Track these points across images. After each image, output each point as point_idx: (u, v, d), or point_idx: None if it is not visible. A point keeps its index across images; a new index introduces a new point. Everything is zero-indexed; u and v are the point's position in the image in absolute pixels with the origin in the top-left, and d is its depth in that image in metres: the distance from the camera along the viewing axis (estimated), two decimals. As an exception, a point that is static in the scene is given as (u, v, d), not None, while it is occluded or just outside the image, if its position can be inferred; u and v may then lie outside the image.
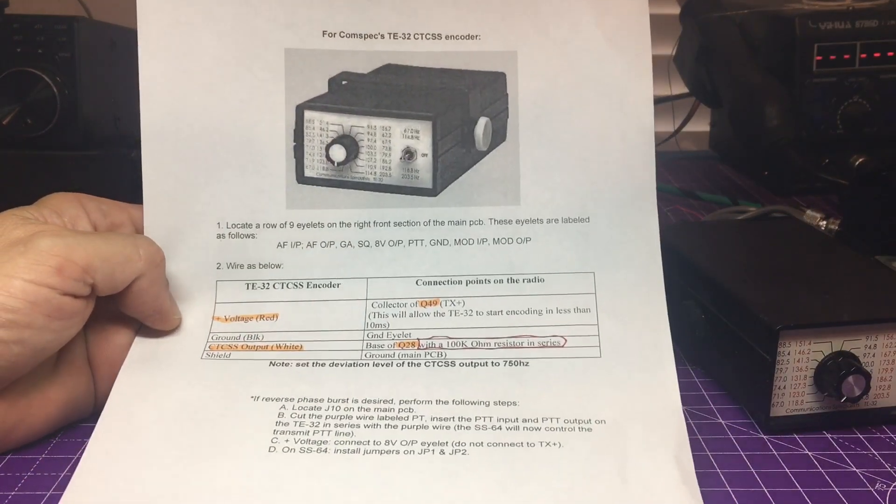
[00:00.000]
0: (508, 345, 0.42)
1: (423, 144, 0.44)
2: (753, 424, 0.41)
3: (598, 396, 0.39)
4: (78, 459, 0.37)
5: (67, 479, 0.36)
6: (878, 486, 0.36)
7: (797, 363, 0.39)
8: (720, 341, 0.43)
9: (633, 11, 0.45)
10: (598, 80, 0.45)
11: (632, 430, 0.37)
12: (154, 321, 0.41)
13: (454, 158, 0.45)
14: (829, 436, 0.40)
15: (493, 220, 0.44)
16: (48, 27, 0.65)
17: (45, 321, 0.35)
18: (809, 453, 0.38)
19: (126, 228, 0.43)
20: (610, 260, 0.44)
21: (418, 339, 0.42)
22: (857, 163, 0.65)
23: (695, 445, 0.37)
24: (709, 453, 0.38)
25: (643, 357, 0.41)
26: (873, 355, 0.39)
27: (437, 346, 0.42)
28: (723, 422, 0.41)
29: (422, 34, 0.45)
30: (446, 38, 0.45)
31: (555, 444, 0.36)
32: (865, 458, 0.38)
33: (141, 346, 0.41)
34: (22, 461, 0.37)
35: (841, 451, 0.38)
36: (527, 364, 0.41)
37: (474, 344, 0.42)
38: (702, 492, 0.34)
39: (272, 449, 0.36)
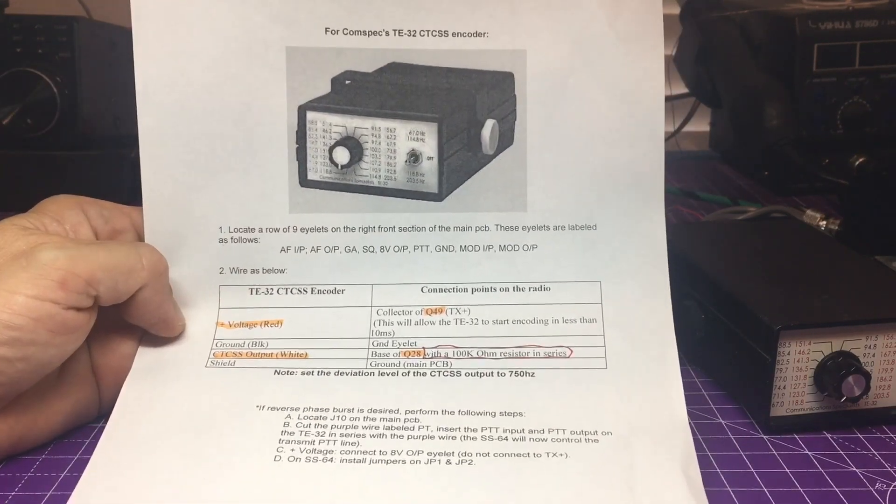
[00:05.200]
0: (514, 355, 0.41)
1: (429, 147, 0.44)
2: (753, 424, 0.41)
3: (604, 408, 0.39)
4: (78, 459, 0.37)
5: (68, 479, 0.36)
6: (878, 486, 0.36)
7: (797, 363, 0.39)
8: (720, 341, 0.43)
9: (646, 10, 0.43)
10: (610, 83, 0.43)
11: (638, 443, 0.37)
12: (158, 329, 0.41)
13: (460, 162, 0.44)
14: (829, 436, 0.40)
15: (499, 227, 0.44)
16: (48, 27, 0.65)
17: (48, 337, 0.35)
18: (809, 453, 0.38)
19: (128, 233, 0.42)
20: (617, 269, 0.43)
21: (424, 348, 0.42)
22: (857, 163, 0.65)
23: (695, 445, 0.37)
24: (709, 453, 0.38)
25: (649, 370, 0.40)
26: (873, 355, 0.40)
27: (442, 355, 0.42)
28: (723, 422, 0.41)
29: (428, 31, 0.44)
30: (453, 35, 0.44)
31: (561, 454, 0.36)
32: (865, 458, 0.38)
33: (145, 355, 0.41)
34: (22, 462, 0.37)
35: (841, 451, 0.38)
36: (532, 374, 0.41)
37: (480, 353, 0.42)
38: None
39: (277, 458, 0.36)
